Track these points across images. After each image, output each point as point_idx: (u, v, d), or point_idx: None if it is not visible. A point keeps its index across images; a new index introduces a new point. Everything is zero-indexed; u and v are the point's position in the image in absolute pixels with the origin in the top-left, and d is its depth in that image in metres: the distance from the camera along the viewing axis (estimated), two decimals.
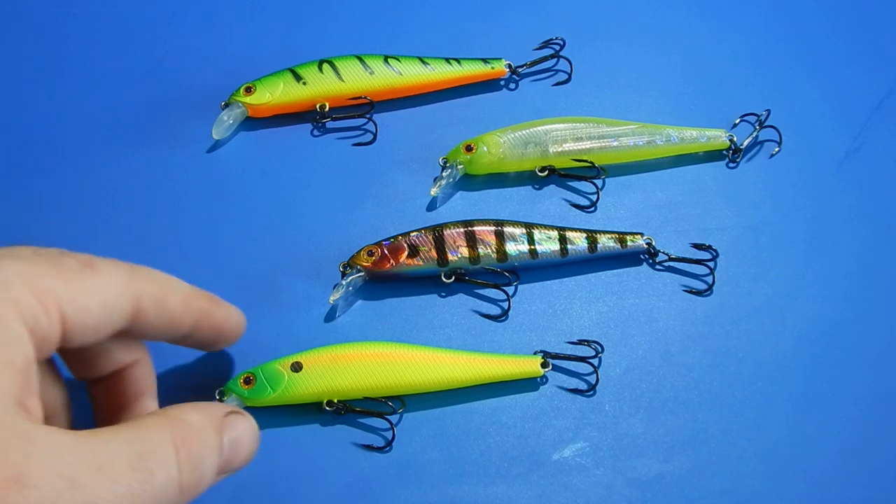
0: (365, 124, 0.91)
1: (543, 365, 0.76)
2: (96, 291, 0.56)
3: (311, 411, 0.75)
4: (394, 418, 0.75)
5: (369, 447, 0.74)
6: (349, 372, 0.74)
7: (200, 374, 0.76)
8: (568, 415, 0.76)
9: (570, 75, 0.95)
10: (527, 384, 0.77)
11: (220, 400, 0.74)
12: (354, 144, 0.90)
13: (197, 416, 0.58)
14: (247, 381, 0.73)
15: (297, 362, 0.74)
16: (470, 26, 0.97)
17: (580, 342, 0.78)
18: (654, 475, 0.73)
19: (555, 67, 0.95)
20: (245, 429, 0.62)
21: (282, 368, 0.74)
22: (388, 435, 0.74)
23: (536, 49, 0.95)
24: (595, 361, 0.77)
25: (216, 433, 0.60)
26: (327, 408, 0.74)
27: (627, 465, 0.74)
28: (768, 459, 0.74)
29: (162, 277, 0.63)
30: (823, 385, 0.77)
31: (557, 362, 0.78)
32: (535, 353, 0.77)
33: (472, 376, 0.75)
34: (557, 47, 0.95)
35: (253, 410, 0.72)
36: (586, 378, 0.77)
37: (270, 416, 0.74)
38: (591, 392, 0.77)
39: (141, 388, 0.67)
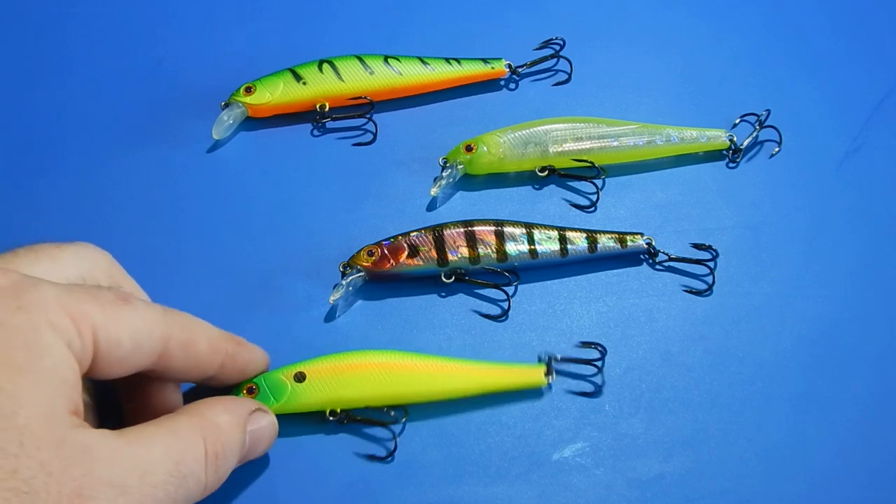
0: (365, 124, 0.91)
1: (547, 373, 0.76)
2: (129, 325, 0.58)
3: (313, 415, 0.75)
4: (396, 426, 0.74)
5: (372, 457, 0.73)
6: (352, 383, 0.73)
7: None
8: (568, 415, 0.76)
9: (570, 75, 0.95)
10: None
11: None
12: (354, 144, 0.90)
13: (226, 417, 0.63)
14: (250, 391, 0.72)
15: (300, 372, 0.73)
16: (470, 26, 0.97)
17: (584, 345, 0.78)
18: (654, 475, 0.73)
19: (555, 67, 0.95)
20: (266, 425, 0.68)
21: (285, 379, 0.73)
22: (391, 445, 0.74)
23: (536, 49, 0.95)
24: (599, 364, 0.77)
25: (241, 432, 0.64)
26: (330, 417, 0.74)
27: (627, 465, 0.74)
28: (768, 459, 0.74)
29: (191, 322, 0.64)
30: (823, 385, 0.77)
31: (560, 365, 0.77)
32: (539, 359, 0.77)
33: (476, 387, 0.75)
34: (557, 47, 0.95)
35: None
36: (589, 379, 0.77)
37: None
38: (597, 394, 0.77)
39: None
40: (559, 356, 0.77)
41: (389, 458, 0.73)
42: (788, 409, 0.76)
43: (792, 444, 0.74)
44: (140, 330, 0.58)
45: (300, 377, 0.73)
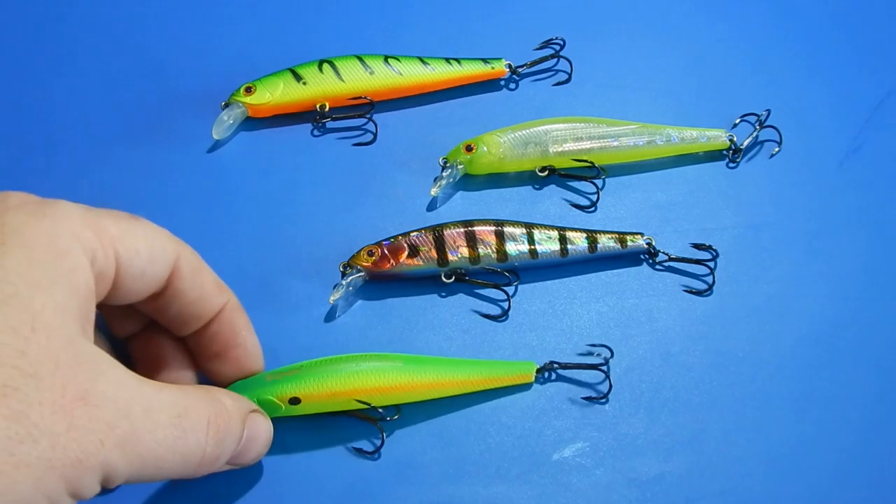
0: (365, 124, 0.91)
1: (539, 372, 0.76)
2: (144, 236, 0.60)
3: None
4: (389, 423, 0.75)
5: (359, 451, 0.74)
6: (346, 404, 0.73)
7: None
8: (568, 415, 0.76)
9: (570, 75, 0.95)
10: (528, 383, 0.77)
11: None
12: (354, 144, 0.90)
13: (230, 402, 0.64)
14: None
15: (295, 398, 0.71)
16: (470, 26, 0.97)
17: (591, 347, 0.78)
18: (654, 475, 0.73)
19: (555, 67, 0.95)
20: (263, 429, 0.68)
21: (279, 402, 0.71)
22: (379, 441, 0.74)
23: (536, 49, 0.95)
24: (605, 369, 0.77)
25: (241, 423, 0.64)
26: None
27: (627, 465, 0.74)
28: (768, 459, 0.74)
29: (198, 255, 0.66)
30: (823, 385, 0.77)
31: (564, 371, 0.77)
32: (546, 363, 0.77)
33: (467, 384, 0.75)
34: (557, 47, 0.95)
35: None
36: (593, 383, 0.77)
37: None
38: (604, 400, 0.76)
39: (172, 346, 0.70)
40: (563, 363, 0.77)
41: (376, 455, 0.73)
42: (788, 409, 0.76)
43: (792, 444, 0.74)
44: (154, 242, 0.60)
45: (295, 401, 0.72)
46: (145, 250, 0.59)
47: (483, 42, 0.96)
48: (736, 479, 0.73)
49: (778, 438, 0.75)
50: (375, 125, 0.91)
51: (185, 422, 0.57)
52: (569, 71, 0.95)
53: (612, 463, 0.74)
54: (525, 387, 0.77)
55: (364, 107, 0.91)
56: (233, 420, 0.63)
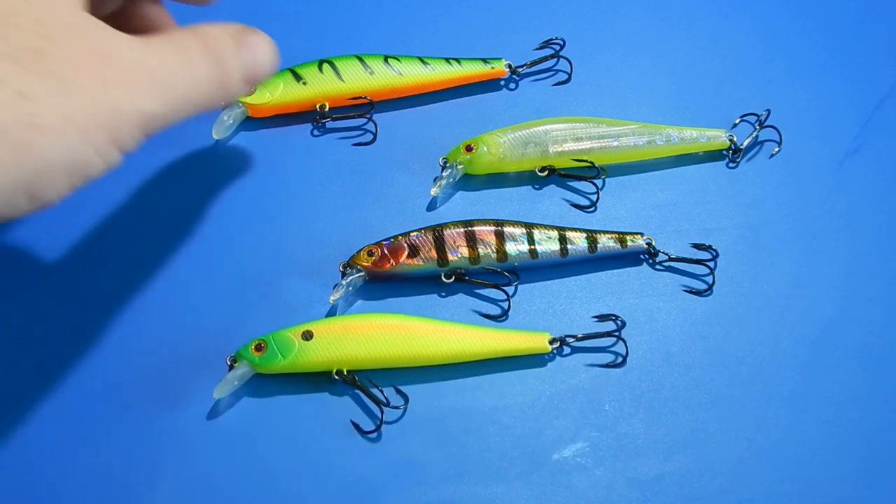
0: (365, 124, 0.91)
1: (552, 342, 0.77)
2: None
3: (310, 402, 0.75)
4: (395, 413, 0.75)
5: (356, 427, 0.74)
6: (359, 342, 0.75)
7: (212, 340, 0.77)
8: (568, 415, 0.76)
9: (570, 75, 0.95)
10: (530, 378, 0.77)
11: (232, 366, 0.75)
12: (354, 144, 0.90)
13: (215, 29, 0.68)
14: (258, 348, 0.75)
15: (307, 331, 0.75)
16: (470, 26, 0.97)
17: (600, 318, 0.80)
18: (654, 475, 0.73)
19: (555, 67, 0.95)
20: (258, 39, 0.72)
21: (293, 336, 0.75)
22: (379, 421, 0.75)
23: (536, 49, 0.95)
24: (618, 334, 0.79)
25: (233, 40, 0.69)
26: (336, 377, 0.75)
27: (627, 465, 0.74)
28: (768, 459, 0.74)
29: None
30: (823, 385, 0.77)
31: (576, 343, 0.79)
32: (553, 338, 0.78)
33: (481, 350, 0.77)
34: (557, 47, 0.95)
35: (263, 379, 0.75)
36: (611, 350, 0.77)
37: (269, 411, 0.75)
38: (622, 363, 0.78)
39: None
40: (580, 335, 0.78)
41: (374, 434, 0.74)
42: (788, 410, 0.76)
43: (791, 444, 0.75)
44: None
45: (307, 335, 0.75)
46: None
47: (483, 42, 0.96)
48: (736, 479, 0.73)
49: (778, 438, 0.75)
50: (375, 125, 0.91)
51: (186, 51, 0.63)
52: (569, 71, 0.95)
53: (612, 463, 0.74)
54: (534, 378, 0.77)
55: (364, 107, 0.91)
56: (221, 39, 0.67)
